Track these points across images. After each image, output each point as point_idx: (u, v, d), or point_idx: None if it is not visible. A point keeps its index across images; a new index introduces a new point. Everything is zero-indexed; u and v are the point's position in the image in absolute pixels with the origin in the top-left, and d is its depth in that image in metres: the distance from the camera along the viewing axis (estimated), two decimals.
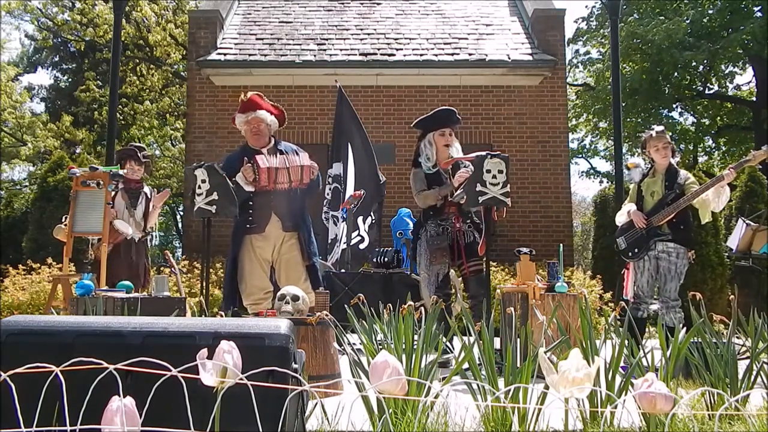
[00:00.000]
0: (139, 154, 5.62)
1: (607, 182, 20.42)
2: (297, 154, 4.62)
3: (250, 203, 4.54)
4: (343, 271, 6.65)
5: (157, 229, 6.04)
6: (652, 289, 4.75)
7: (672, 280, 4.63)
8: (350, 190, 7.31)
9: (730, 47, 14.93)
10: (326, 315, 3.22)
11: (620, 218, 4.97)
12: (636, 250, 4.76)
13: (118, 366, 1.51)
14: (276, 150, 4.63)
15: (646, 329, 5.38)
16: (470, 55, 10.39)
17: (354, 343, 3.08)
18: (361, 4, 12.07)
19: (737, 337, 3.10)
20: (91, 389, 1.52)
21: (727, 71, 17.38)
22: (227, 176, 4.48)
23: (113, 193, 5.22)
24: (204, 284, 4.71)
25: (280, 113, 4.75)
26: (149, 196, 5.70)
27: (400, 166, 10.19)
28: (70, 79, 22.23)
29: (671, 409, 1.52)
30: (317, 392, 2.13)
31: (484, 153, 4.24)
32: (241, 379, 1.50)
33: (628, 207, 4.88)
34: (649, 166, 4.87)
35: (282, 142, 4.77)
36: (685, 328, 2.79)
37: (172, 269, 5.78)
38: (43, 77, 49.50)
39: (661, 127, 4.87)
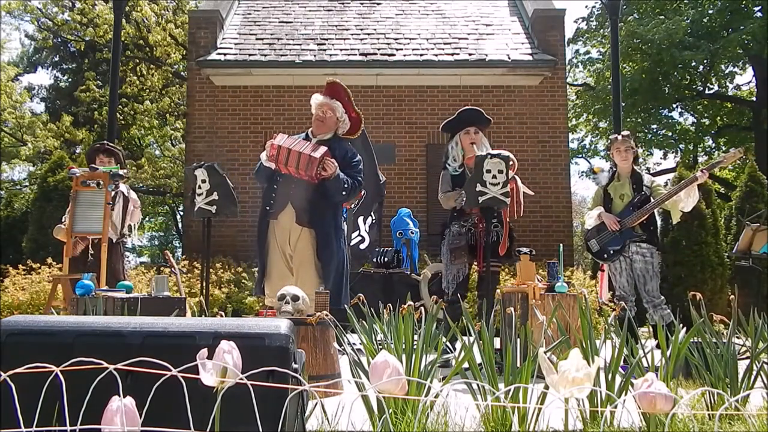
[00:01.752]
0: (108, 147, 5.56)
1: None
2: (338, 156, 4.38)
3: (275, 186, 4.43)
4: None
5: (135, 231, 5.89)
6: (632, 287, 4.84)
7: (652, 280, 4.74)
8: None
9: (730, 47, 14.94)
10: (326, 315, 3.22)
11: (589, 221, 5.04)
12: (611, 252, 4.82)
13: (118, 366, 1.51)
14: (326, 143, 4.44)
15: (637, 328, 5.43)
16: (470, 55, 10.39)
17: (354, 343, 3.08)
18: (361, 4, 12.08)
19: (737, 337, 3.10)
20: (91, 389, 1.52)
21: (727, 71, 17.39)
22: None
23: (113, 193, 5.20)
24: (204, 284, 4.71)
25: (356, 118, 4.61)
26: (126, 195, 5.59)
27: (400, 166, 10.20)
28: (70, 79, 22.24)
29: (671, 409, 1.52)
30: (317, 392, 2.13)
31: (484, 153, 4.25)
32: (241, 379, 1.50)
33: (597, 210, 4.94)
34: (614, 170, 4.98)
35: (342, 142, 4.57)
36: (684, 328, 2.79)
37: (172, 269, 5.77)
38: (43, 77, 49.59)
39: (627, 132, 5.08)
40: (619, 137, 4.95)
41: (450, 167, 4.75)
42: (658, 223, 5.04)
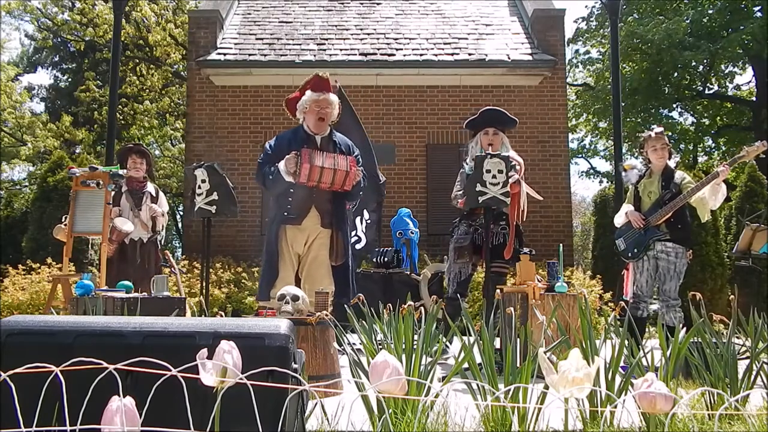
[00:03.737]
0: (141, 147, 5.67)
1: (607, 182, 20.44)
2: (345, 153, 4.41)
3: (291, 191, 4.35)
4: None
5: (163, 231, 5.96)
6: (651, 288, 4.77)
7: (671, 280, 4.65)
8: None
9: (730, 47, 14.93)
10: (326, 315, 3.22)
11: (618, 219, 4.99)
12: (635, 251, 4.77)
13: (118, 366, 1.51)
14: (330, 140, 4.45)
15: (646, 329, 5.39)
16: (470, 55, 10.39)
17: (354, 343, 3.08)
18: (361, 4, 12.08)
19: (737, 337, 3.10)
20: (91, 389, 1.52)
21: (727, 71, 17.39)
22: (274, 157, 4.35)
23: (113, 193, 5.22)
24: (204, 284, 4.71)
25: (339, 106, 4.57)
26: (154, 195, 5.68)
27: (400, 166, 10.20)
28: (70, 79, 22.24)
29: (671, 409, 1.52)
30: (317, 392, 2.13)
31: (483, 153, 4.26)
32: (240, 379, 1.49)
33: (626, 208, 4.90)
34: (646, 167, 4.89)
35: (337, 134, 4.56)
36: (685, 328, 2.79)
37: (172, 269, 5.78)
38: (43, 77, 49.49)
39: (660, 128, 4.89)
40: (653, 134, 4.79)
41: (466, 166, 4.78)
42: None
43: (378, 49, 10.57)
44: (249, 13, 11.79)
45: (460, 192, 4.71)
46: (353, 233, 7.28)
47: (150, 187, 5.70)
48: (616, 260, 5.19)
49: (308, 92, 4.42)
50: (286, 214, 4.36)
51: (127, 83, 17.75)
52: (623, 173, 5.03)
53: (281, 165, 4.28)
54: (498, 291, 4.07)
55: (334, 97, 4.44)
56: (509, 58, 10.27)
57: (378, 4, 12.10)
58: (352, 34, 11.06)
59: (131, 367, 1.51)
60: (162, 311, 4.04)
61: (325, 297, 3.68)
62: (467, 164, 4.78)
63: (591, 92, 18.74)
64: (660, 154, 4.76)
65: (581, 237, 25.46)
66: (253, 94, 10.45)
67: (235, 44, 10.73)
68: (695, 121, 19.25)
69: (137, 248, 5.45)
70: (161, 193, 5.87)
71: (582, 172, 27.93)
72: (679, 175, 4.79)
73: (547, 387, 2.21)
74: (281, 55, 10.41)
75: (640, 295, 4.75)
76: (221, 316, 3.50)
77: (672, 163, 4.85)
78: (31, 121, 19.05)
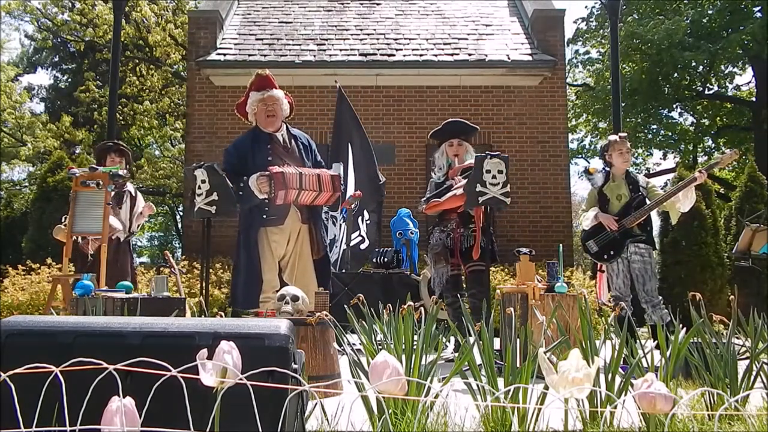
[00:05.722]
0: (120, 146, 5.65)
1: None
2: (306, 146, 4.48)
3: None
4: (343, 271, 6.65)
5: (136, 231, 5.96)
6: (628, 288, 4.85)
7: (651, 280, 4.74)
8: (350, 190, 7.32)
9: (730, 47, 14.94)
10: (326, 315, 3.21)
11: (586, 222, 5.02)
12: (612, 253, 4.81)
13: (118, 366, 1.51)
14: (291, 135, 4.47)
15: (636, 329, 5.45)
16: (470, 55, 10.39)
17: (354, 344, 3.08)
18: (361, 4, 12.08)
19: (737, 337, 3.10)
20: (90, 389, 1.52)
21: (727, 71, 17.39)
22: (237, 164, 4.35)
23: (113, 193, 5.20)
24: (204, 284, 4.70)
25: (291, 100, 4.58)
26: (134, 194, 5.67)
27: (400, 167, 10.20)
28: (69, 80, 22.25)
29: (671, 409, 1.52)
30: (317, 392, 2.13)
31: (483, 153, 4.28)
32: (240, 379, 1.49)
33: (593, 211, 4.93)
34: (607, 170, 4.97)
35: (294, 129, 4.58)
36: (684, 328, 2.79)
37: (172, 269, 5.77)
38: (42, 77, 49.52)
39: (624, 133, 5.08)
40: (618, 138, 4.92)
41: (435, 175, 5.04)
42: (657, 223, 5.04)
43: (378, 50, 10.57)
44: (249, 14, 11.79)
45: (423, 199, 5.00)
46: (356, 234, 7.29)
47: (129, 187, 5.67)
48: None
49: (252, 93, 4.42)
50: (265, 216, 4.32)
51: (126, 83, 17.74)
52: (589, 177, 5.11)
53: (252, 183, 4.23)
54: (497, 291, 4.08)
55: (278, 92, 4.42)
56: (509, 59, 10.27)
57: (378, 4, 12.10)
58: (352, 35, 11.06)
59: (131, 368, 1.51)
60: (162, 311, 4.03)
61: (325, 297, 3.68)
62: (435, 174, 5.05)
63: (591, 92, 18.74)
64: (625, 157, 4.89)
65: (581, 237, 25.44)
66: None
67: (235, 44, 10.74)
68: (695, 121, 19.26)
69: (113, 248, 5.39)
70: (139, 193, 5.85)
71: (582, 172, 27.93)
72: (642, 179, 4.95)
73: (547, 387, 2.21)
74: (281, 56, 10.42)
75: (619, 296, 4.80)
76: (221, 316, 3.49)
77: (630, 168, 5.02)
78: (31, 122, 19.04)
